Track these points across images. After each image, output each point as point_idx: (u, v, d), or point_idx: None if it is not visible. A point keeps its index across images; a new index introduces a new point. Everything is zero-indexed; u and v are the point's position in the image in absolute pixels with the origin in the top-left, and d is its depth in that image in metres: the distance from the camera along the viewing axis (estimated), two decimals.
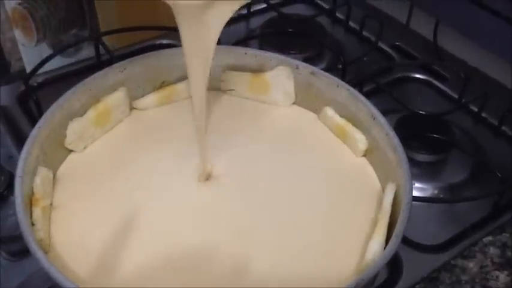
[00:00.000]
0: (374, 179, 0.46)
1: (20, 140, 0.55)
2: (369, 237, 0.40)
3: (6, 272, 0.46)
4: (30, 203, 0.40)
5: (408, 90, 0.66)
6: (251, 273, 0.39)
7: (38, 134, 0.43)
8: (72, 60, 0.67)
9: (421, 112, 0.60)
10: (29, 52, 0.65)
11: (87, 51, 0.67)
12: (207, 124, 0.49)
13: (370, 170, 0.47)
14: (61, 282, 0.34)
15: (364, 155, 0.48)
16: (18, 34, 0.66)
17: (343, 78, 0.50)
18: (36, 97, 0.57)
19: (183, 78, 0.51)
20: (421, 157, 0.56)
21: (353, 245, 0.41)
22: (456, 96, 0.64)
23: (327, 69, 0.51)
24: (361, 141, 0.47)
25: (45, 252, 0.39)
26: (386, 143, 0.45)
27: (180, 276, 0.39)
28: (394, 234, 0.37)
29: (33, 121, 0.44)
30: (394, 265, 0.48)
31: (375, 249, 0.38)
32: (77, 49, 0.71)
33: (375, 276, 0.38)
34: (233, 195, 0.45)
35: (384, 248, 0.38)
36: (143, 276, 0.39)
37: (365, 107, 0.46)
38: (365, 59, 0.68)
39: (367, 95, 0.48)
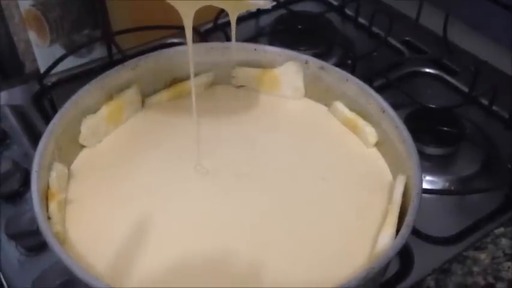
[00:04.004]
0: (385, 170, 0.46)
1: (34, 138, 0.56)
2: (380, 225, 0.41)
3: (23, 267, 0.47)
4: (46, 198, 0.41)
5: (418, 84, 0.66)
6: (264, 267, 0.40)
7: (54, 129, 0.44)
8: (85, 60, 0.68)
9: (431, 106, 0.60)
10: (43, 53, 0.66)
11: (99, 51, 0.68)
12: (219, 118, 0.50)
13: (381, 161, 0.47)
14: (79, 273, 0.34)
15: (375, 147, 0.48)
16: (32, 35, 0.67)
17: (352, 73, 0.50)
18: (50, 96, 0.58)
19: (195, 74, 0.52)
20: (432, 150, 0.56)
21: (365, 237, 0.41)
22: (466, 90, 0.64)
23: (337, 65, 0.51)
24: (371, 134, 0.47)
25: (61, 244, 0.40)
26: (396, 136, 0.45)
27: (193, 279, 0.39)
28: (404, 224, 0.38)
29: (48, 120, 0.45)
30: (405, 257, 0.48)
31: (386, 240, 0.38)
32: (90, 49, 0.71)
33: (386, 267, 0.39)
34: (246, 188, 0.45)
35: (394, 239, 0.39)
36: (156, 276, 0.39)
37: (375, 101, 0.47)
38: (375, 54, 0.68)
39: (377, 90, 0.48)
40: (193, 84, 0.46)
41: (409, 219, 0.38)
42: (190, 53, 0.44)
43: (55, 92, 0.62)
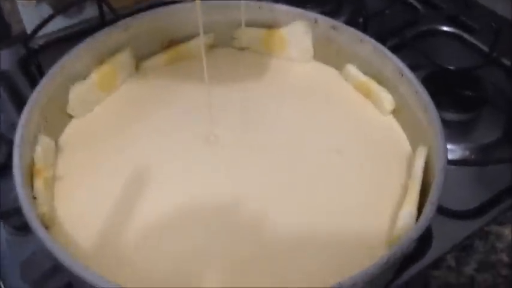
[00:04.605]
0: (403, 139, 0.43)
1: (21, 106, 0.52)
2: (399, 203, 0.38)
3: (10, 247, 0.44)
4: (31, 175, 0.38)
5: (435, 44, 0.62)
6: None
7: (38, 99, 0.40)
8: (74, 20, 0.64)
9: (449, 67, 0.56)
10: (29, 13, 0.62)
11: (90, 11, 0.63)
12: (223, 83, 0.46)
13: (398, 129, 0.44)
14: (64, 261, 0.31)
15: (391, 114, 0.44)
16: None
17: (364, 33, 0.46)
18: (37, 60, 0.54)
19: (192, 36, 0.48)
20: (451, 116, 0.52)
21: (382, 214, 0.38)
22: (487, 49, 0.59)
23: (347, 24, 0.48)
24: (387, 100, 0.44)
25: (49, 226, 0.37)
26: (416, 102, 0.41)
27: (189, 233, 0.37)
28: (427, 203, 0.34)
29: (35, 86, 0.41)
30: (422, 233, 0.44)
31: (406, 219, 0.35)
32: (80, 8, 0.67)
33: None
34: (252, 162, 0.42)
35: (416, 218, 0.35)
36: (152, 237, 0.37)
37: (392, 63, 0.43)
38: (387, 11, 0.63)
39: (391, 51, 0.45)
40: (202, 44, 0.42)
41: (433, 198, 0.34)
42: (199, 8, 0.40)
43: (43, 55, 0.58)
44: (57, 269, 0.40)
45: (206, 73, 0.42)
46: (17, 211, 0.43)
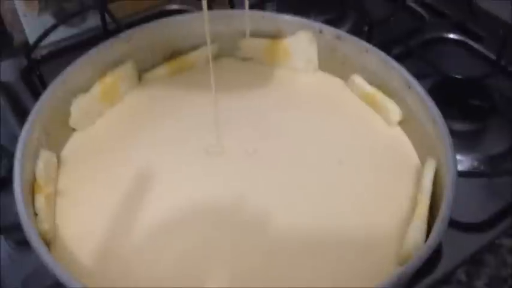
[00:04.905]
0: (411, 152, 0.42)
1: (24, 118, 0.51)
2: (407, 216, 0.37)
3: (12, 262, 0.43)
4: (32, 190, 0.37)
5: (441, 52, 0.61)
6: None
7: (39, 113, 0.39)
8: (77, 30, 0.63)
9: (456, 76, 0.55)
10: (32, 23, 0.61)
11: (93, 21, 0.63)
12: (227, 93, 0.46)
13: (405, 141, 0.43)
14: (65, 281, 0.30)
15: (398, 126, 0.44)
16: (18, 3, 0.61)
17: (369, 41, 0.46)
18: (39, 71, 0.54)
19: (195, 47, 0.47)
20: (458, 126, 0.51)
21: (390, 230, 0.37)
22: (494, 58, 0.58)
23: (351, 33, 0.47)
24: (394, 111, 0.43)
25: (50, 242, 0.36)
26: (424, 114, 0.40)
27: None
28: (438, 220, 0.33)
29: (38, 98, 0.41)
30: None
31: (416, 236, 0.34)
32: (82, 18, 0.66)
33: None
34: (256, 172, 0.41)
35: (425, 232, 0.34)
36: (156, 248, 0.36)
37: (398, 74, 0.42)
38: (392, 19, 0.62)
39: (396, 60, 0.44)
40: (210, 53, 0.42)
41: (444, 213, 0.33)
42: (206, 16, 0.39)
43: (45, 66, 0.57)
44: (59, 285, 0.39)
45: (213, 82, 0.41)
46: (19, 226, 0.42)
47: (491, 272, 0.42)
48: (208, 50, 0.41)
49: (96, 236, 0.37)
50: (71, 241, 0.37)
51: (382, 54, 0.44)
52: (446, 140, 0.37)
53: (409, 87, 0.41)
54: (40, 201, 0.36)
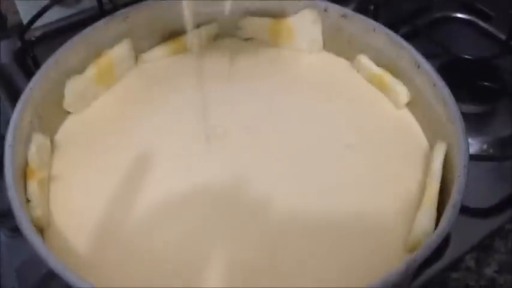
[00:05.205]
0: (419, 135, 0.41)
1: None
2: (416, 200, 0.36)
3: (8, 249, 0.42)
4: (25, 176, 0.35)
5: (449, 32, 0.59)
6: None
7: (31, 96, 0.38)
8: (72, 11, 0.61)
9: (465, 56, 0.53)
10: (26, 3, 0.59)
11: (88, 1, 0.61)
12: (226, 75, 0.45)
13: (414, 124, 0.42)
14: (57, 269, 0.29)
15: (406, 107, 0.42)
16: None
17: (375, 20, 0.44)
18: (33, 53, 0.52)
19: (196, 26, 0.45)
20: (467, 108, 0.49)
21: (398, 215, 0.36)
22: (503, 37, 0.57)
23: (357, 11, 0.45)
24: (402, 93, 0.41)
25: (44, 229, 0.35)
26: (433, 95, 0.39)
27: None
28: (449, 207, 0.32)
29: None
30: None
31: (425, 222, 0.33)
32: None
33: None
34: (259, 158, 0.39)
35: (435, 218, 0.33)
36: (152, 232, 0.35)
37: (408, 54, 0.41)
38: None
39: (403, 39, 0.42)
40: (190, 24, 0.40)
41: (455, 198, 0.32)
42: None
43: (40, 48, 0.55)
44: (54, 273, 0.38)
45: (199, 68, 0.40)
46: (12, 212, 0.41)
47: (501, 258, 0.41)
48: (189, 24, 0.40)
49: (92, 222, 0.36)
50: (66, 227, 0.35)
51: (391, 32, 0.42)
52: (458, 122, 0.36)
53: (418, 67, 0.40)
54: (33, 186, 0.35)
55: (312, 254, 0.34)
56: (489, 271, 0.41)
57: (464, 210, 0.43)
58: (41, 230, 0.35)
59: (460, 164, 0.33)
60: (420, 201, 0.35)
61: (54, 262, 0.29)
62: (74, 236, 0.35)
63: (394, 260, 0.33)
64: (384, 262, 0.33)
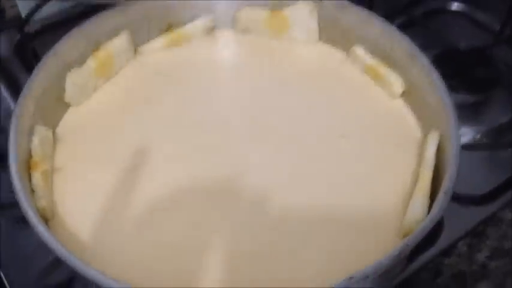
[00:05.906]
0: (413, 124, 0.42)
1: (18, 93, 0.51)
2: (409, 189, 0.37)
3: (12, 239, 0.43)
4: (29, 167, 0.36)
5: (443, 22, 0.60)
6: None
7: (32, 89, 0.39)
8: (71, 3, 0.61)
9: (459, 47, 0.54)
10: None
11: None
12: (225, 66, 0.45)
13: (407, 113, 0.42)
14: (64, 257, 0.30)
15: (401, 98, 0.43)
16: None
17: (370, 10, 0.44)
18: (33, 46, 0.53)
19: (193, 18, 0.46)
20: (461, 97, 0.50)
21: (391, 203, 0.37)
22: (497, 28, 0.57)
23: (351, 1, 0.45)
24: (396, 84, 0.42)
25: (49, 219, 0.36)
26: (427, 85, 0.40)
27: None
28: (441, 193, 0.33)
29: (32, 72, 0.40)
30: None
31: (418, 210, 0.34)
32: None
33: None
34: (256, 148, 0.40)
35: (427, 206, 0.34)
36: (154, 223, 0.36)
37: (403, 45, 0.41)
38: None
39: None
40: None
41: (447, 186, 0.33)
42: None
43: (39, 40, 0.56)
44: (60, 262, 0.39)
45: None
46: (17, 204, 0.42)
47: (493, 244, 0.42)
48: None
49: (95, 212, 0.37)
50: (70, 217, 0.36)
51: (386, 24, 0.43)
52: (451, 111, 0.37)
53: (413, 58, 0.40)
54: (37, 177, 0.36)
55: (308, 244, 0.35)
56: (481, 257, 0.42)
57: (458, 197, 0.44)
58: (46, 221, 0.35)
59: (452, 152, 0.34)
60: (413, 190, 0.36)
61: (59, 248, 0.30)
62: (77, 226, 0.36)
63: (389, 248, 0.34)
64: (378, 250, 0.34)
